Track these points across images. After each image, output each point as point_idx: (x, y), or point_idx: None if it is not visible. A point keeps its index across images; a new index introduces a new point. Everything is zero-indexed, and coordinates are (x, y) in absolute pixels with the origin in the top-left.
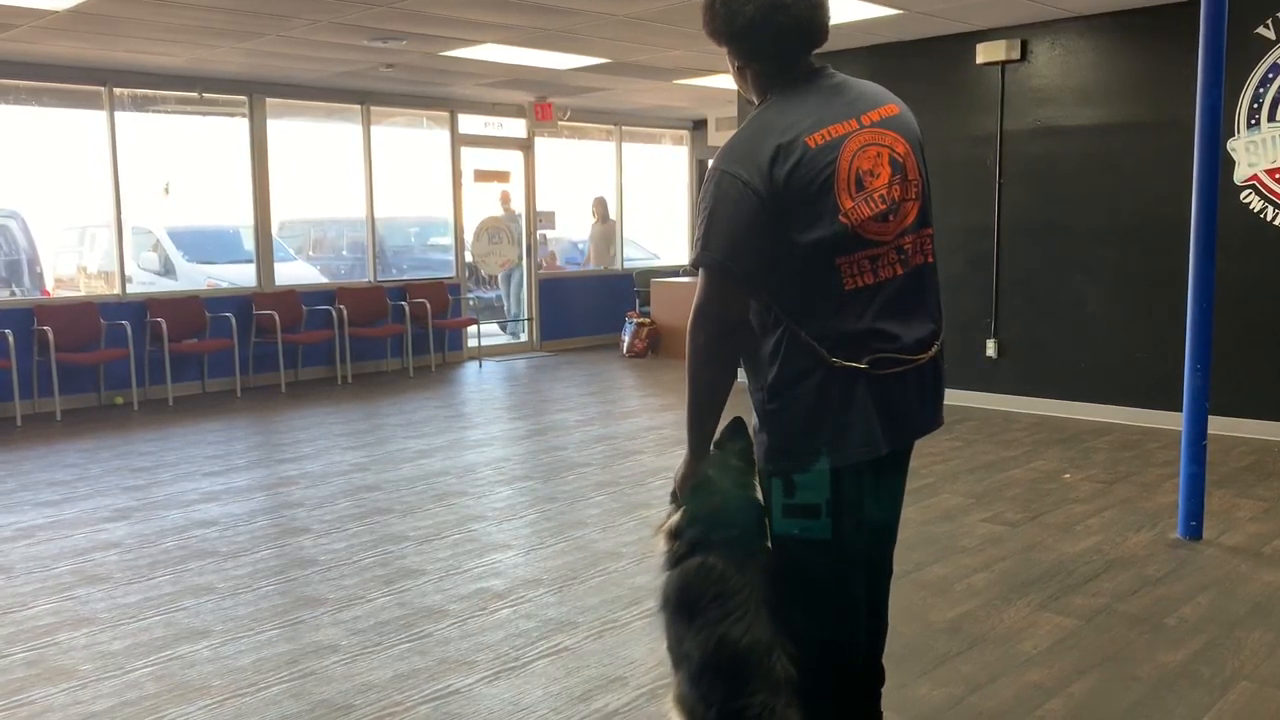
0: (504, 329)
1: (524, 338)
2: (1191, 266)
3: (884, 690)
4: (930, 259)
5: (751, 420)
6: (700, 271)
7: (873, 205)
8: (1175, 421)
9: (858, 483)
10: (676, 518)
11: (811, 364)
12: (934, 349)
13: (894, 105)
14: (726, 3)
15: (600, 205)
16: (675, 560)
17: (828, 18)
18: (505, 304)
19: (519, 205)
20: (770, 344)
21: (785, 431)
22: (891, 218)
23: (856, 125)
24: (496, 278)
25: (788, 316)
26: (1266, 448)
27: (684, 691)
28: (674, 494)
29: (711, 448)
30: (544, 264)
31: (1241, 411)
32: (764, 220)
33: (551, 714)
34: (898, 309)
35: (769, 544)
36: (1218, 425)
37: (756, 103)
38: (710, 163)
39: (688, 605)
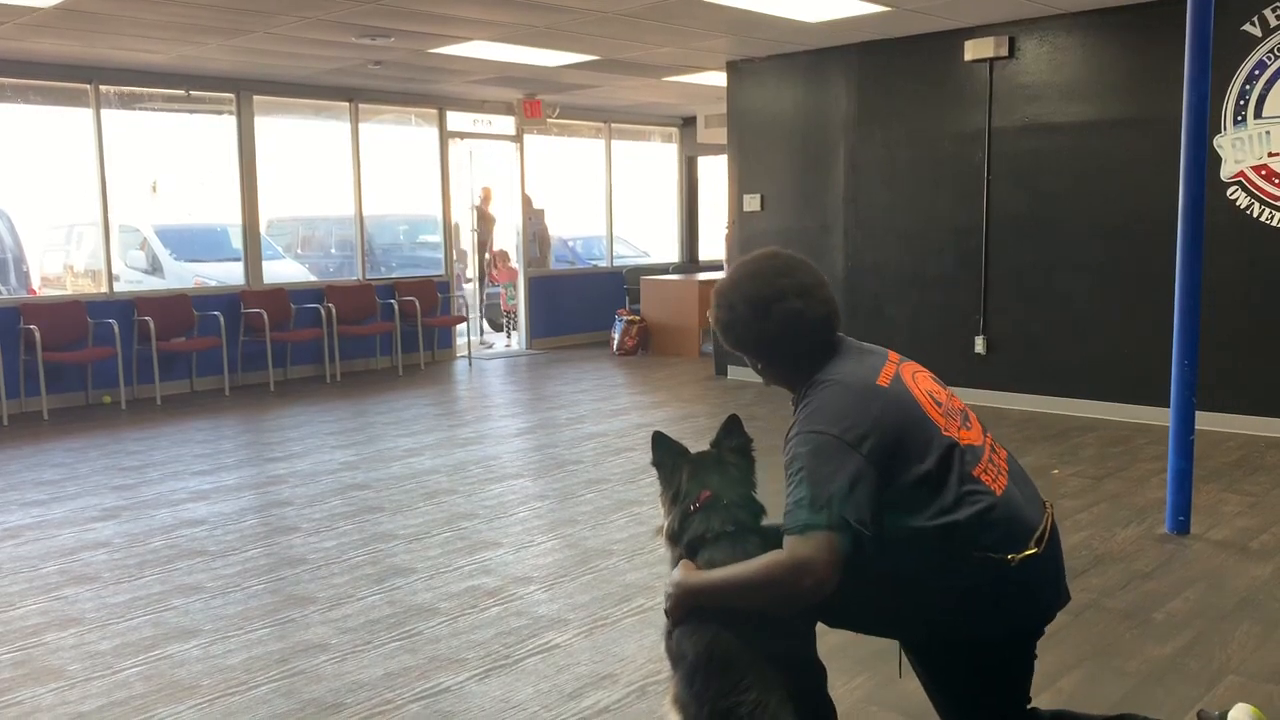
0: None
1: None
2: (1178, 262)
3: (874, 685)
4: (1005, 450)
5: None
6: (796, 537)
7: (954, 418)
8: (1163, 417)
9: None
10: (671, 519)
11: (975, 568)
12: (1049, 514)
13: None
14: (746, 324)
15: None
16: (677, 559)
17: (837, 307)
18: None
19: (510, 204)
20: (917, 563)
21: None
22: (967, 423)
23: (893, 361)
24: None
25: (955, 546)
26: (1253, 442)
27: (679, 691)
28: (668, 611)
29: (709, 445)
30: (534, 261)
31: (1229, 407)
32: (873, 466)
33: (542, 711)
34: (1016, 488)
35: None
36: (1205, 420)
37: (790, 389)
38: (794, 430)
39: None
